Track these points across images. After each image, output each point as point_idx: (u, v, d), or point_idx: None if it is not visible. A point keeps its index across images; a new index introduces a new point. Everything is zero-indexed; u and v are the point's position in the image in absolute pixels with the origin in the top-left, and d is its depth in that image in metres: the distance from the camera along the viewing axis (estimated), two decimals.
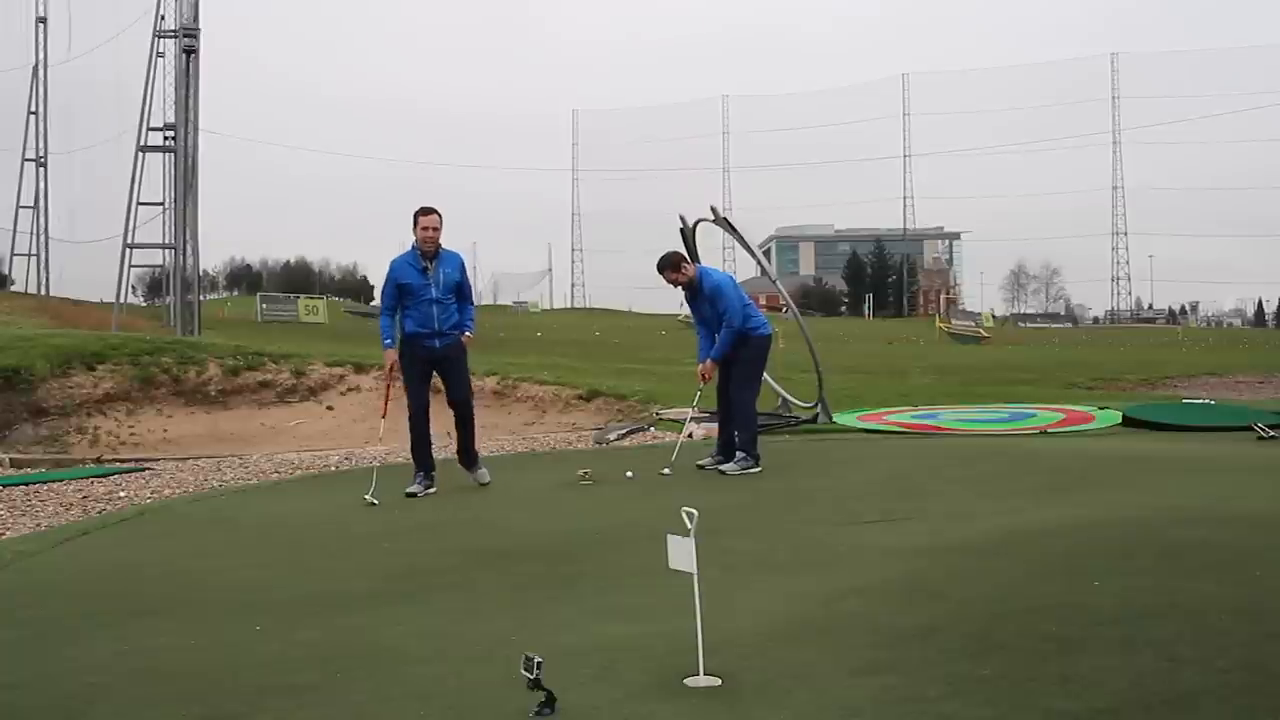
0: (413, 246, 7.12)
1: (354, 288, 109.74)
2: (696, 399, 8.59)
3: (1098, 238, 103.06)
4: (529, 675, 2.76)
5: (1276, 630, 3.13)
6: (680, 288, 7.92)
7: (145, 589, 4.58)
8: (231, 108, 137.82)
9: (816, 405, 10.81)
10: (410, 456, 7.25)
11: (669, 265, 7.84)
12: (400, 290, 7.07)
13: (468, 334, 7.21)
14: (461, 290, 7.20)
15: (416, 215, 7.05)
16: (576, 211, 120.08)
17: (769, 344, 8.02)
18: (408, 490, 6.94)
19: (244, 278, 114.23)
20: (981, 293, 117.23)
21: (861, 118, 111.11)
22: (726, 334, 7.65)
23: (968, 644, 3.16)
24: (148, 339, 18.75)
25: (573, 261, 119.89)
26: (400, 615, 3.97)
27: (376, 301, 12.15)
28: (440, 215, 7.08)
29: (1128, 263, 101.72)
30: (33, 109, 65.10)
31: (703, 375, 7.89)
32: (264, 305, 53.59)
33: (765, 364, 8.16)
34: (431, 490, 7.04)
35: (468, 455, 7.40)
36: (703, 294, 7.79)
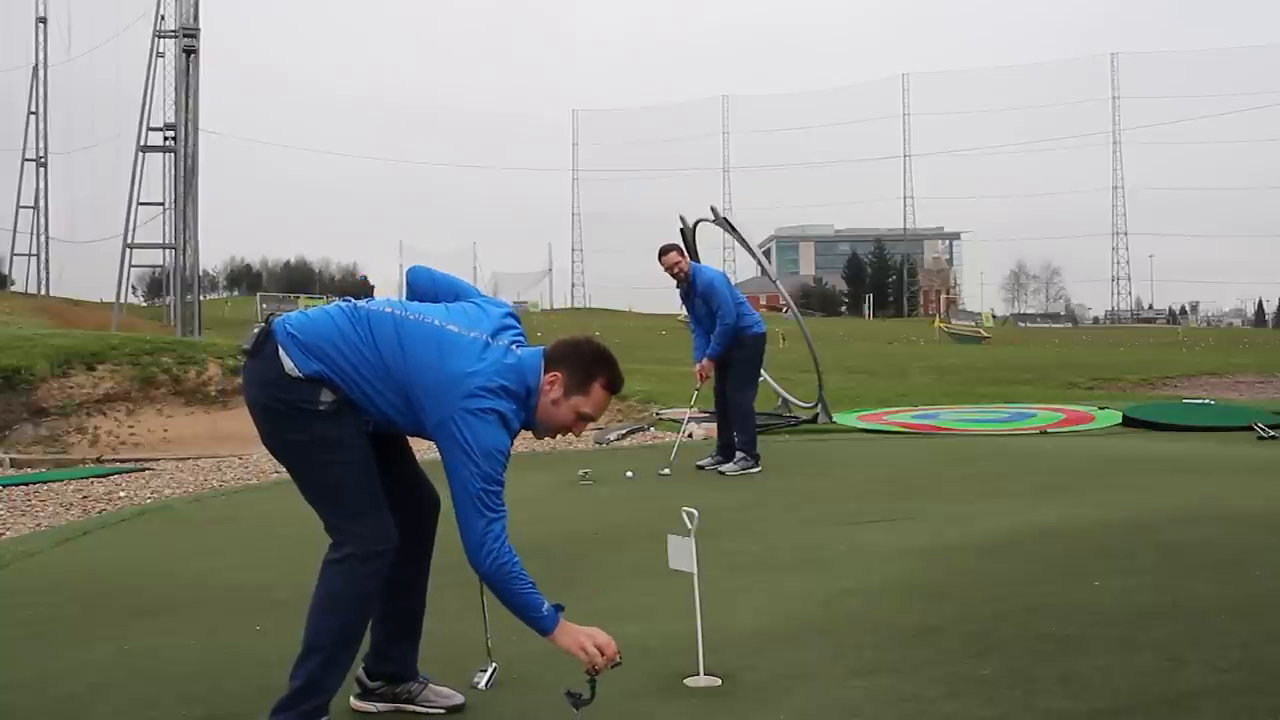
0: None
1: (354, 288, 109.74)
2: (694, 398, 8.59)
3: (1098, 238, 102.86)
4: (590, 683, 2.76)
5: (1276, 630, 3.13)
6: (676, 282, 7.94)
7: (145, 589, 4.57)
8: (232, 108, 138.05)
9: (816, 405, 10.82)
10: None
11: (672, 248, 7.89)
12: None
13: None
14: None
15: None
16: (576, 211, 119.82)
17: (764, 343, 8.04)
18: None
19: (244, 278, 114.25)
20: (981, 293, 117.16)
21: (861, 118, 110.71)
22: (721, 331, 7.65)
23: (968, 644, 3.16)
24: (148, 339, 18.76)
25: (573, 261, 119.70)
26: None
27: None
28: None
29: (1128, 263, 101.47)
30: (33, 109, 65.27)
31: (700, 374, 7.90)
32: (264, 305, 53.64)
33: (762, 363, 8.18)
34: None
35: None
36: (696, 291, 7.80)
